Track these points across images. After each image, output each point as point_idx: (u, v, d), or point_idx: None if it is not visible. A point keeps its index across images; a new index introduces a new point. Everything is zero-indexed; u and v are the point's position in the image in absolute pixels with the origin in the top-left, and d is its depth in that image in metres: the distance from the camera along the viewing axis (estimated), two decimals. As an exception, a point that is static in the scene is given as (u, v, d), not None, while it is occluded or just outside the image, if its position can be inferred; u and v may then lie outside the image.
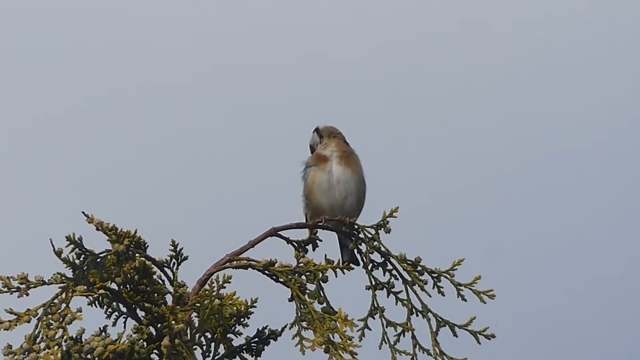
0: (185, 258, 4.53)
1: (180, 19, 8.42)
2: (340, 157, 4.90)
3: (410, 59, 8.09)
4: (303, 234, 4.73)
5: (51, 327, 4.31)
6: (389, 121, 7.59)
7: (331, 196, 4.85)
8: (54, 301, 4.36)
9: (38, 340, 4.32)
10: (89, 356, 4.29)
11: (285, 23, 8.33)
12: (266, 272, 4.57)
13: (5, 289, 4.35)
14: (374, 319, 4.69)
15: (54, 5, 8.34)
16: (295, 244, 4.70)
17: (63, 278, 4.38)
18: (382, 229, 4.72)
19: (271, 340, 4.56)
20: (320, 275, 4.56)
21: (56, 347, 4.29)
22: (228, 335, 4.49)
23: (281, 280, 4.55)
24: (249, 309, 4.49)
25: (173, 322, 4.28)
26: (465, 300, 4.64)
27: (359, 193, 4.88)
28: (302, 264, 4.58)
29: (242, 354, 4.52)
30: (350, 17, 8.46)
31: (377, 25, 8.37)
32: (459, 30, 8.32)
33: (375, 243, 4.72)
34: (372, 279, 4.73)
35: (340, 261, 4.82)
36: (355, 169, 4.89)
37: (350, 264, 4.73)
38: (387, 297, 4.72)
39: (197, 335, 4.39)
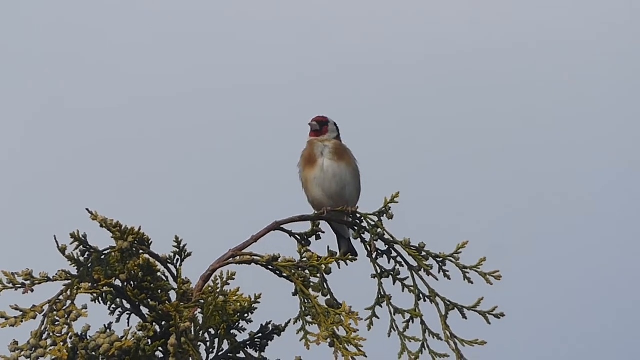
0: (189, 254, 4.53)
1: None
2: (333, 153, 4.93)
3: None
4: (305, 227, 4.74)
5: (57, 323, 4.32)
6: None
7: (328, 188, 4.88)
8: (59, 298, 4.36)
9: (44, 336, 4.32)
10: (94, 353, 4.29)
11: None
12: (270, 267, 4.57)
13: (10, 285, 4.35)
14: (381, 307, 4.69)
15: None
16: (298, 237, 4.70)
17: (68, 275, 4.38)
18: (385, 215, 4.73)
19: (275, 336, 4.57)
20: (324, 268, 4.56)
21: (62, 344, 4.29)
22: (232, 331, 4.49)
23: (285, 275, 4.55)
24: (253, 305, 4.49)
25: (179, 320, 4.28)
26: (472, 283, 4.65)
27: (356, 182, 4.93)
28: (305, 259, 4.58)
29: (246, 349, 4.52)
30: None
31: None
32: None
33: (379, 230, 4.73)
34: (377, 267, 4.73)
35: (339, 253, 4.82)
36: (348, 161, 4.94)
37: (351, 255, 4.75)
38: (394, 284, 4.73)
39: (201, 332, 4.39)
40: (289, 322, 4.55)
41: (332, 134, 5.04)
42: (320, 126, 5.03)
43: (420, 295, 4.69)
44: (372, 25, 8.47)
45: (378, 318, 4.68)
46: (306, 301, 4.51)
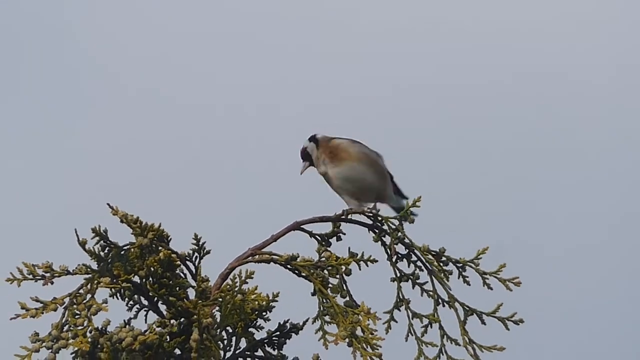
0: (208, 252, 4.54)
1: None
2: (331, 159, 4.89)
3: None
4: (326, 228, 4.73)
5: (77, 316, 4.34)
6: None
7: (347, 190, 4.84)
8: (80, 291, 4.38)
9: (65, 328, 4.33)
10: (117, 345, 4.30)
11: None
12: (288, 266, 4.57)
13: (30, 277, 4.37)
14: (399, 311, 4.69)
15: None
16: (319, 238, 4.71)
17: (88, 269, 4.40)
18: (406, 219, 4.72)
19: (293, 334, 4.57)
20: (343, 269, 4.56)
21: (83, 336, 4.30)
22: (249, 329, 4.50)
23: (303, 274, 4.56)
24: (271, 304, 4.50)
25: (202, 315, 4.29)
26: (492, 289, 4.64)
27: (375, 169, 4.87)
28: (324, 259, 4.58)
29: (263, 347, 4.52)
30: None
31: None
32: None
33: (400, 234, 4.72)
34: (397, 271, 4.73)
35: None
36: (351, 157, 4.85)
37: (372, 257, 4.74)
38: (413, 288, 4.72)
39: (219, 330, 4.40)
40: (306, 320, 4.56)
41: (312, 155, 4.92)
42: (305, 158, 4.94)
43: (439, 300, 4.70)
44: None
45: (396, 322, 4.68)
46: (324, 301, 4.52)
